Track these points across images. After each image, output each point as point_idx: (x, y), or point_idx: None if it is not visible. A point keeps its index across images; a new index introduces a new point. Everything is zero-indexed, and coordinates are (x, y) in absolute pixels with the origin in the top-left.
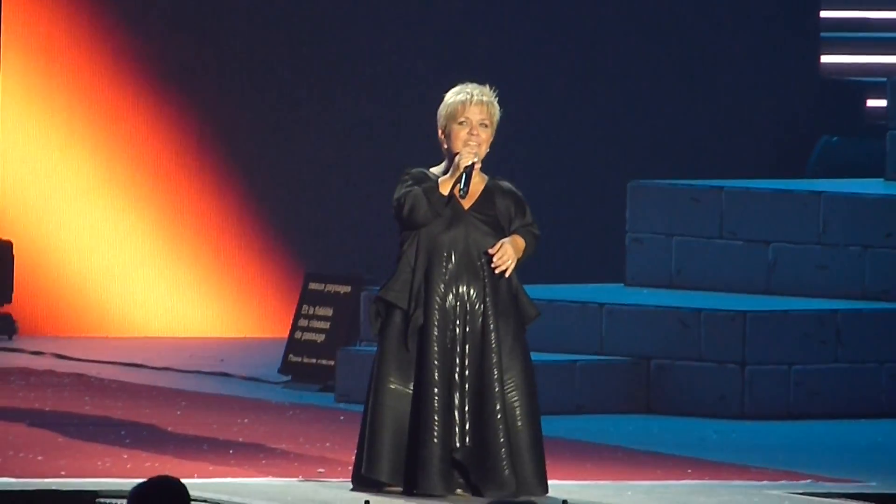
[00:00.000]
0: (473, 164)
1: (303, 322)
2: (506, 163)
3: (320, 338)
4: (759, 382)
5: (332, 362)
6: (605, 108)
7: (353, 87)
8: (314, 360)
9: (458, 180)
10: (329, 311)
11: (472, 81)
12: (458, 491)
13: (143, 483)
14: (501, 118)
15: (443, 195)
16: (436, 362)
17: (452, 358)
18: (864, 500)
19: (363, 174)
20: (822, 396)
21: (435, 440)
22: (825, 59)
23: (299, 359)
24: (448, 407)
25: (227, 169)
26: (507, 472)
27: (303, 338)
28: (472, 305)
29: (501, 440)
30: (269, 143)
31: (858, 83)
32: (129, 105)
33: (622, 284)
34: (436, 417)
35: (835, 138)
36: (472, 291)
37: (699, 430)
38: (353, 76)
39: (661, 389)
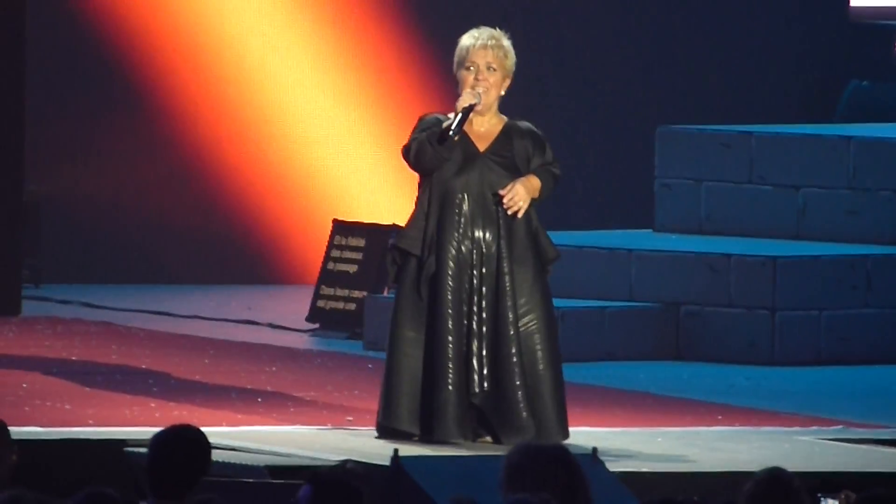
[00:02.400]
0: (473, 105)
1: (335, 253)
2: (534, 108)
3: (353, 269)
4: (789, 328)
5: (363, 294)
6: (634, 52)
7: None
8: (346, 293)
9: (453, 121)
10: (361, 242)
11: (486, 26)
12: (487, 438)
13: (163, 430)
14: (531, 63)
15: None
16: (449, 311)
17: (469, 304)
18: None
19: None
20: (853, 342)
21: (450, 387)
22: (854, 1)
23: (332, 291)
24: (463, 353)
25: None
26: (524, 415)
27: (336, 269)
28: (488, 249)
29: (517, 383)
30: None
31: (888, 26)
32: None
33: (651, 230)
34: (450, 364)
35: (865, 82)
36: (487, 235)
37: (729, 377)
38: None
39: (691, 336)
